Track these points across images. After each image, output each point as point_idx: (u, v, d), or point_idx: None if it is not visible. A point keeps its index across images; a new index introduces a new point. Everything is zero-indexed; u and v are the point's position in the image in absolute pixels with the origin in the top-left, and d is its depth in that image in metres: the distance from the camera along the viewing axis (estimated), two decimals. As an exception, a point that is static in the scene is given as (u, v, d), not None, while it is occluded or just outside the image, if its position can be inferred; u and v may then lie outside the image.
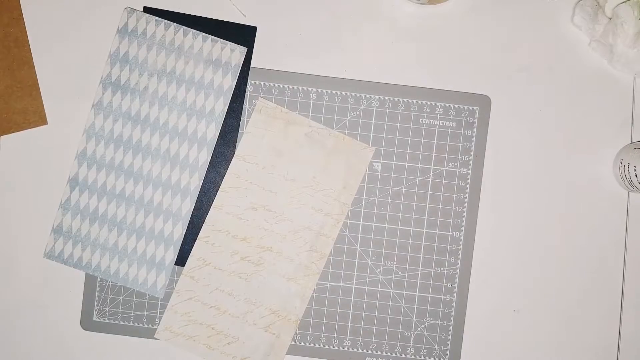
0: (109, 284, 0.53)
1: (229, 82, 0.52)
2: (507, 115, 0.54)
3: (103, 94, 0.52)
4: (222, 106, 0.52)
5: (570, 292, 0.54)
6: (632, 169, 0.50)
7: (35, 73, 0.52)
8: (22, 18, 0.53)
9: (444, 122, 0.53)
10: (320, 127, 0.53)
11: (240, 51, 0.52)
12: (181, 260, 0.53)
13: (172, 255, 0.52)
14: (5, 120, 0.52)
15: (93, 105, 0.52)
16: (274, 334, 0.52)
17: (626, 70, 0.53)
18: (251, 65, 0.53)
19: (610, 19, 0.52)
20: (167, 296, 0.53)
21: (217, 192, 0.53)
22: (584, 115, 0.54)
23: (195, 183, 0.52)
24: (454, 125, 0.53)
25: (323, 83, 0.53)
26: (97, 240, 0.52)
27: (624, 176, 0.52)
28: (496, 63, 0.54)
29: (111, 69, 0.52)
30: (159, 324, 0.53)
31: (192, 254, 0.52)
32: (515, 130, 0.54)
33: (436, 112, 0.53)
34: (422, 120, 0.54)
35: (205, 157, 0.52)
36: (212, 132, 0.52)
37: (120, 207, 0.52)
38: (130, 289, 0.53)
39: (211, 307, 0.52)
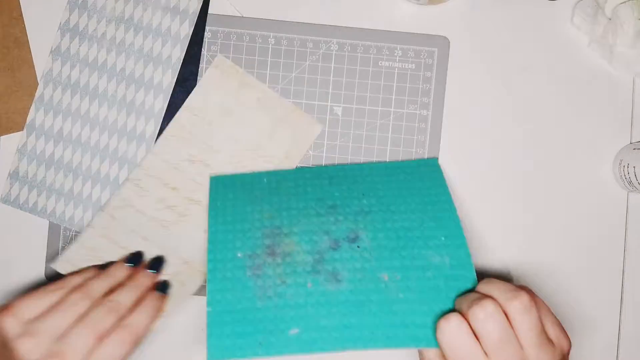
0: (72, 235, 0.52)
1: (186, 30, 0.52)
2: (508, 114, 0.53)
3: (61, 40, 0.52)
4: (178, 53, 0.52)
5: (570, 291, 0.53)
6: (632, 169, 0.49)
7: (36, 73, 0.53)
8: (22, 18, 0.53)
9: (403, 64, 0.53)
10: (273, 95, 0.52)
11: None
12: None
13: (128, 201, 0.52)
14: (5, 120, 0.53)
15: (51, 51, 0.52)
16: (180, 281, 0.50)
17: (626, 71, 0.52)
18: (209, 12, 0.53)
19: (610, 19, 0.51)
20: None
21: (173, 139, 0.52)
22: (584, 115, 0.53)
23: (151, 130, 0.52)
24: (413, 67, 0.52)
25: (281, 27, 0.53)
26: (52, 186, 0.52)
27: (623, 176, 0.51)
28: (496, 63, 0.53)
29: (70, 15, 0.52)
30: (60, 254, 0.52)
31: (118, 193, 0.51)
32: (515, 129, 0.53)
33: (395, 54, 0.53)
34: (381, 63, 0.53)
35: (161, 104, 0.52)
36: (169, 79, 0.52)
37: (76, 153, 0.52)
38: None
39: (122, 247, 0.51)
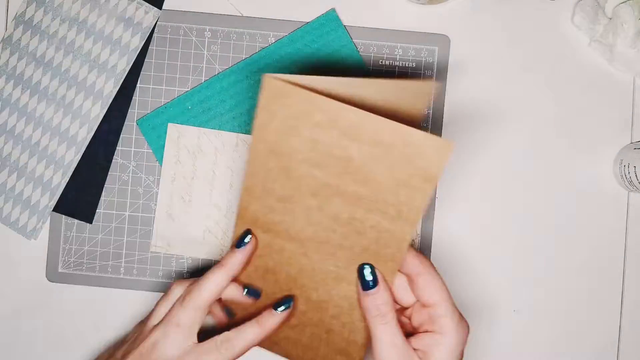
0: (72, 235, 0.53)
1: (136, 43, 0.52)
2: (508, 113, 0.53)
3: (14, 30, 0.53)
4: (124, 64, 0.52)
5: (570, 292, 0.53)
6: (632, 169, 0.50)
7: None
8: None
9: (404, 62, 0.53)
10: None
11: (154, 15, 0.52)
12: (65, 208, 0.53)
13: (48, 200, 0.52)
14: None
15: (2, 40, 0.53)
16: None
17: (626, 70, 0.52)
18: (209, 11, 0.53)
19: (611, 19, 0.51)
20: (132, 244, 0.53)
21: (108, 146, 0.52)
22: (584, 115, 0.53)
23: (84, 134, 0.52)
24: (414, 66, 0.53)
25: (281, 26, 0.53)
26: (-20, 173, 0.53)
27: (624, 176, 0.51)
28: (497, 62, 0.53)
29: (27, 7, 0.52)
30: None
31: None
32: (515, 128, 0.53)
33: (395, 53, 0.53)
34: (381, 62, 0.53)
35: (98, 110, 0.52)
36: (110, 88, 0.52)
37: (7, 143, 0.53)
38: (94, 239, 0.53)
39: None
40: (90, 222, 0.53)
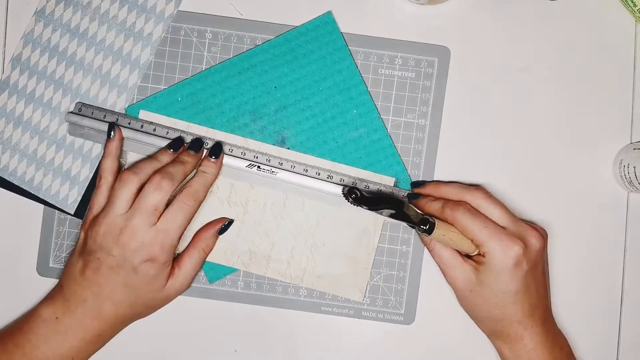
0: (65, 230, 0.53)
1: (171, 9, 0.52)
2: (508, 118, 0.53)
3: (47, 2, 0.52)
4: (160, 31, 0.52)
5: (569, 292, 0.53)
6: (632, 169, 0.49)
7: None
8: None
9: (403, 72, 0.52)
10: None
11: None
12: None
13: (88, 172, 0.52)
14: None
15: (35, 12, 0.52)
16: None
17: None
18: (210, 12, 0.53)
19: None
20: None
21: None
22: (584, 115, 0.53)
23: (122, 104, 0.52)
24: (413, 76, 0.52)
25: (282, 31, 0.52)
26: (17, 146, 0.52)
27: (624, 176, 0.51)
28: (496, 65, 0.53)
29: (58, -20, 0.52)
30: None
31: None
32: (515, 131, 0.53)
33: (395, 62, 0.53)
34: (381, 71, 0.53)
35: (135, 79, 0.52)
36: (147, 56, 0.52)
37: (45, 116, 0.52)
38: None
39: None
40: (82, 218, 0.52)
